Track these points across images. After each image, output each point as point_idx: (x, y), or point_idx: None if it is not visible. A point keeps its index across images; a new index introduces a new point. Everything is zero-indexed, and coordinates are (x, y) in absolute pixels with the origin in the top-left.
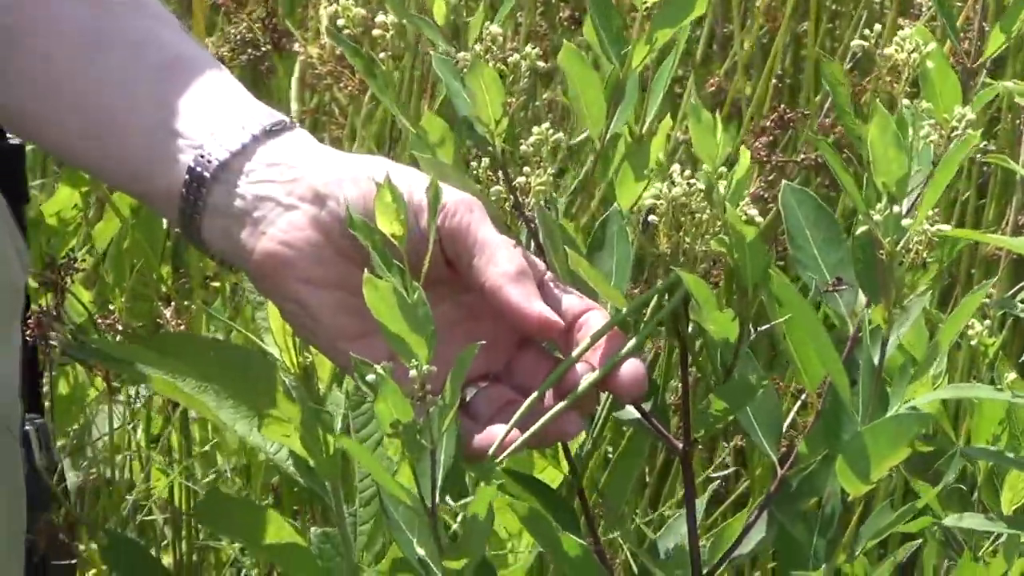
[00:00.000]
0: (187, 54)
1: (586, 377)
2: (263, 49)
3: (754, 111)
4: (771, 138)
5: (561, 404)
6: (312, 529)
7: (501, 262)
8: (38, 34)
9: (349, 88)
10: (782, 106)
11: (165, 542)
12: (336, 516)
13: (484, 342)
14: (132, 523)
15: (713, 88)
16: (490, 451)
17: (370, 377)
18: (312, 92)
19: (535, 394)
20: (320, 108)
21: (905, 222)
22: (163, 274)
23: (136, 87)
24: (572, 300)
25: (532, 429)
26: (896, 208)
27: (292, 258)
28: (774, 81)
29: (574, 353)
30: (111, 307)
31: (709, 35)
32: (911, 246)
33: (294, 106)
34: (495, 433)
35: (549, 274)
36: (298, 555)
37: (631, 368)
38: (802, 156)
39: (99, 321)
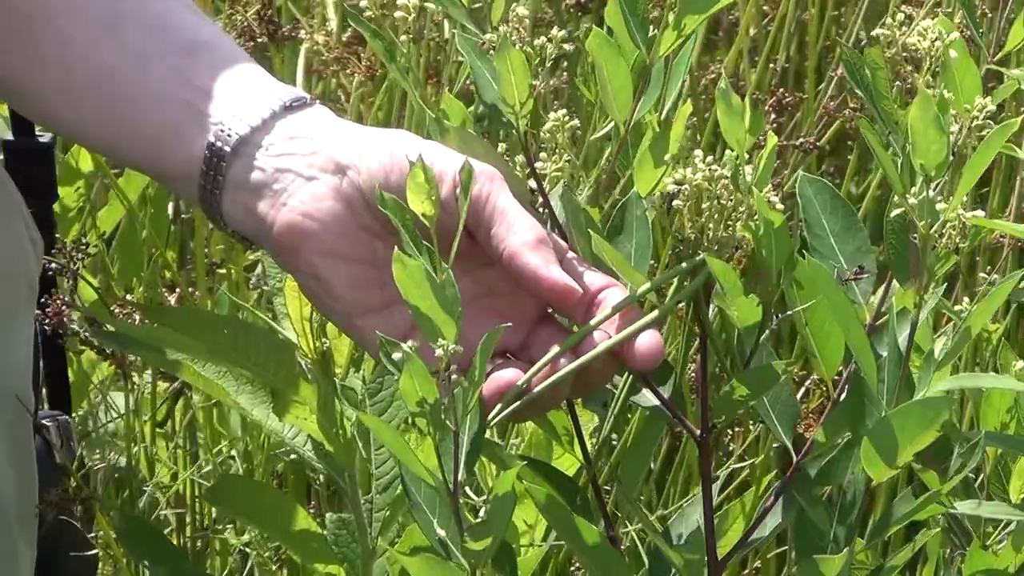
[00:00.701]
0: (205, 35)
1: (603, 342)
2: (258, 40)
3: (755, 97)
4: (775, 124)
5: (573, 364)
6: (328, 515)
7: (520, 230)
8: (58, 18)
9: (356, 75)
10: (780, 90)
11: (169, 528)
12: (351, 502)
13: (510, 324)
14: (137, 509)
15: (715, 76)
16: (499, 403)
17: (396, 356)
18: (318, 78)
19: (546, 357)
20: (326, 95)
21: (939, 206)
22: (168, 259)
23: (154, 68)
24: (593, 276)
25: (541, 386)
26: (932, 191)
27: (313, 230)
28: (772, 66)
29: (592, 322)
30: (129, 296)
31: (713, 22)
32: (945, 231)
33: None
34: (503, 377)
35: (571, 253)
36: (312, 540)
37: (648, 338)
38: (800, 140)
39: (115, 308)
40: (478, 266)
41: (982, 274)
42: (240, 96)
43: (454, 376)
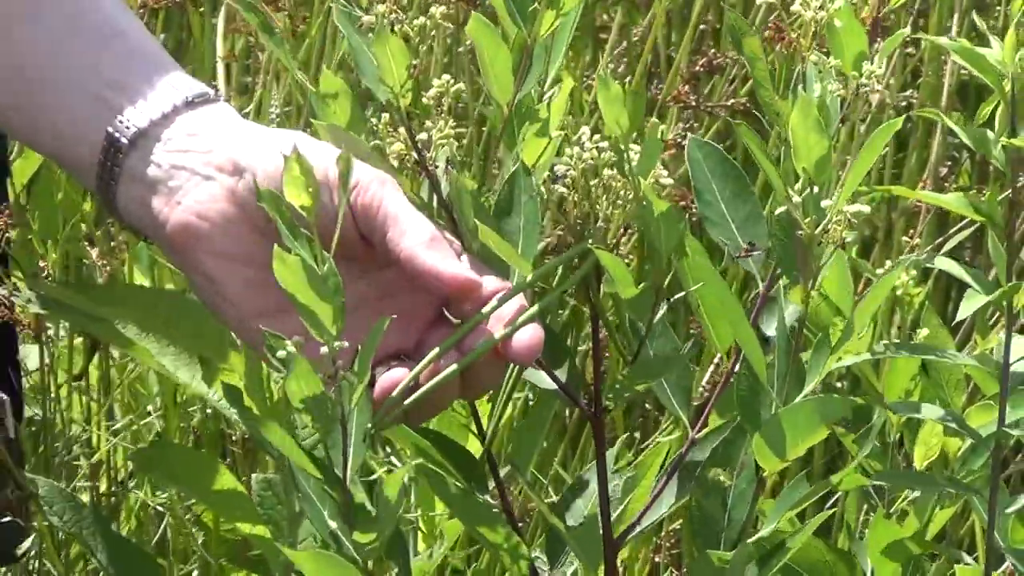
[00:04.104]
0: (121, 25)
1: (482, 341)
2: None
3: (681, 58)
4: (696, 82)
5: (455, 366)
6: (254, 476)
7: (414, 231)
8: None
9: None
10: (712, 51)
11: (83, 480)
12: (279, 464)
13: (395, 316)
14: (56, 464)
15: (637, 38)
16: (386, 401)
17: (281, 353)
18: (236, 36)
19: (430, 355)
20: (247, 52)
21: (825, 203)
22: (88, 211)
23: (69, 57)
24: (487, 280)
25: (427, 386)
26: (815, 189)
27: (205, 230)
28: (703, 26)
29: (475, 317)
30: (42, 261)
31: None
32: (830, 227)
33: (219, 50)
34: (391, 377)
35: (465, 256)
36: (239, 503)
37: (527, 333)
38: (732, 101)
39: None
40: (375, 269)
41: (904, 238)
42: (145, 87)
43: (340, 371)
